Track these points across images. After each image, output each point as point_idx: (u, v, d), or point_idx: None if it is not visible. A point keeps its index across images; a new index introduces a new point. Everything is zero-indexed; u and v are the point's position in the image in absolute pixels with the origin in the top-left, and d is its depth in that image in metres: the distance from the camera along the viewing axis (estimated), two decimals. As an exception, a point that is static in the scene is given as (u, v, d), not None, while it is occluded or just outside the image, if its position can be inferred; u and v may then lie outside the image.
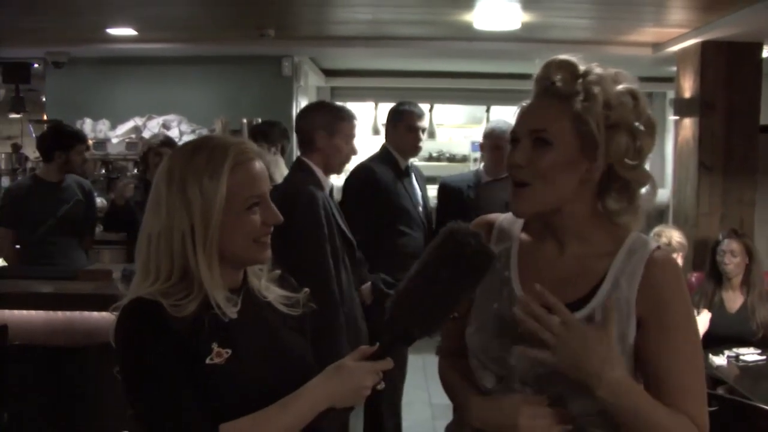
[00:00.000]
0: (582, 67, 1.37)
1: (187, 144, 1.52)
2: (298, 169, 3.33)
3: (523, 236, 1.49)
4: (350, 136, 3.33)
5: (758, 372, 3.63)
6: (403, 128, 3.99)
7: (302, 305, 1.60)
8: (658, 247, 1.40)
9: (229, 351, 1.40)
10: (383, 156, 4.03)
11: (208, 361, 1.38)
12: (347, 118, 3.34)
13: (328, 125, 3.27)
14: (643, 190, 1.42)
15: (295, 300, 1.59)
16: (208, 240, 1.40)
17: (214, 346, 1.39)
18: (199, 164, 1.42)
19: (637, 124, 1.35)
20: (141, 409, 1.35)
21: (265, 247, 1.49)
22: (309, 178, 3.21)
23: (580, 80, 1.35)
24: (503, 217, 1.54)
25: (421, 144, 4.04)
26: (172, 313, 1.37)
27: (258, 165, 1.48)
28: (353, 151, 3.36)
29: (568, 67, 1.37)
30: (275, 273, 1.59)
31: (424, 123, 4.05)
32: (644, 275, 1.35)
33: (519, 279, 1.44)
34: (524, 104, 1.43)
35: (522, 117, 1.41)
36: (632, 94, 1.36)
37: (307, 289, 1.63)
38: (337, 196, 3.80)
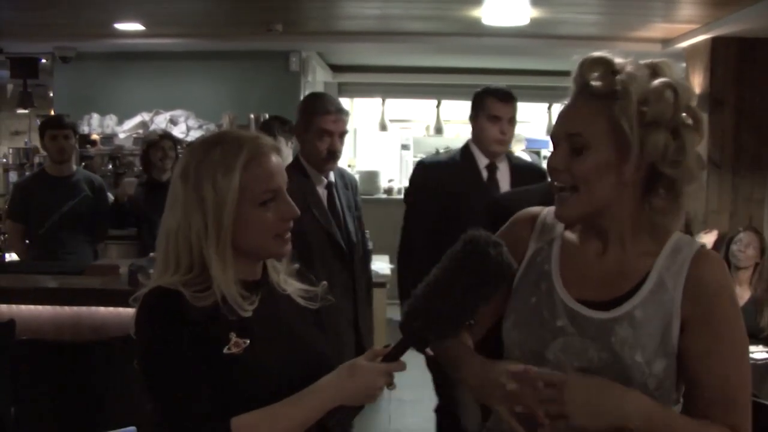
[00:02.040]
0: (618, 63, 1.32)
1: (204, 139, 1.50)
2: (292, 163, 3.09)
3: (567, 233, 1.46)
4: (324, 131, 2.90)
5: (766, 370, 3.61)
6: (484, 117, 3.12)
7: (320, 299, 1.59)
8: (704, 246, 1.36)
9: (247, 341, 1.40)
10: (459, 153, 3.25)
11: (225, 350, 1.37)
12: (319, 111, 2.92)
13: (303, 120, 2.97)
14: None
15: (313, 294, 1.58)
16: (221, 237, 1.39)
17: (233, 336, 1.39)
18: (214, 160, 1.41)
19: (678, 118, 1.31)
20: (156, 397, 1.36)
21: (285, 242, 1.47)
22: (294, 172, 2.99)
23: (615, 77, 1.30)
24: (547, 211, 1.51)
25: (505, 137, 3.12)
26: (192, 303, 1.36)
27: (274, 159, 1.46)
28: (333, 148, 2.92)
29: (603, 65, 1.33)
30: (293, 267, 1.59)
31: (511, 111, 3.12)
32: (689, 272, 1.32)
33: (560, 274, 1.42)
34: (563, 104, 1.39)
35: (559, 119, 1.37)
36: (672, 88, 1.30)
37: (324, 283, 1.62)
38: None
